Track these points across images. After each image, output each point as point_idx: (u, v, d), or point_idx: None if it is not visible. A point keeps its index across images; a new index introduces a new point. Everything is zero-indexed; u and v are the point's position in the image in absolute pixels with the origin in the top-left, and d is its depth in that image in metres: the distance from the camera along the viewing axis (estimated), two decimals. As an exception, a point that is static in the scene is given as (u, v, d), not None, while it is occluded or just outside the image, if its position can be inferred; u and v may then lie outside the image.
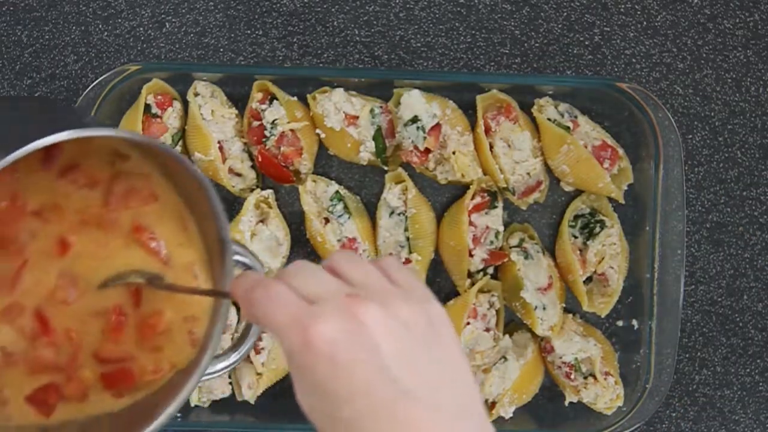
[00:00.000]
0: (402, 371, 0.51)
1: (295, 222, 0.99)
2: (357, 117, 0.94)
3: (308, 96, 0.95)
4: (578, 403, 0.97)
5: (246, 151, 0.98)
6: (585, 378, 0.95)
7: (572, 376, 0.95)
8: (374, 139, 0.94)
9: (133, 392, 0.67)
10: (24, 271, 0.65)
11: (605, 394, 0.94)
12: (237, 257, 0.70)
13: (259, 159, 0.95)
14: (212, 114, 0.95)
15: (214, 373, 0.70)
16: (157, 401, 0.65)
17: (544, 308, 0.95)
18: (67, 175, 0.66)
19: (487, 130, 0.96)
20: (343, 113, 0.94)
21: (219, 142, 0.95)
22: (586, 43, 1.01)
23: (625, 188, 0.97)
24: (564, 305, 0.97)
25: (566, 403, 0.97)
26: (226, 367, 0.71)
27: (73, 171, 0.66)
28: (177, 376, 0.67)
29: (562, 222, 0.98)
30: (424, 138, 0.93)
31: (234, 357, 0.71)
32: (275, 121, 0.94)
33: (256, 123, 0.95)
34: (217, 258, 0.66)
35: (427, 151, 0.94)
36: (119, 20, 1.00)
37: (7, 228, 0.64)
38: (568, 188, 0.99)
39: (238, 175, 0.98)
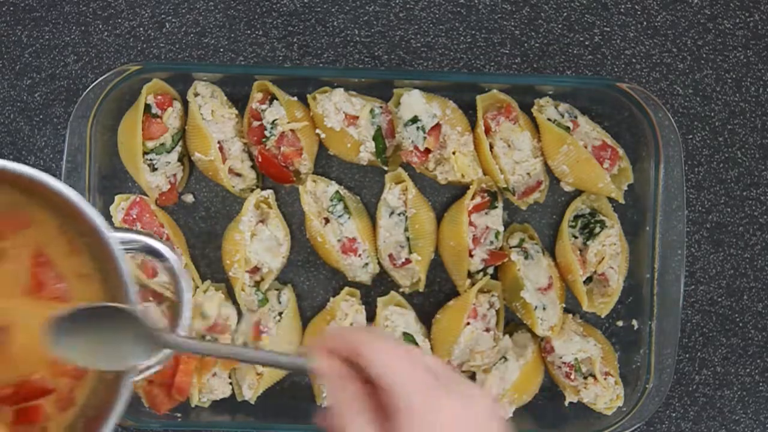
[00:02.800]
0: None
1: (295, 222, 0.99)
2: (357, 117, 0.94)
3: (308, 96, 0.95)
4: (578, 403, 0.97)
5: (246, 151, 0.98)
6: (585, 378, 0.95)
7: (572, 376, 0.95)
8: (374, 139, 0.94)
9: None
10: None
11: (605, 395, 0.94)
12: (129, 238, 0.68)
13: (259, 159, 0.95)
14: (212, 114, 0.95)
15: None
16: (97, 419, 0.65)
17: (544, 308, 0.95)
18: None
19: (487, 130, 0.96)
20: (343, 113, 0.94)
21: (219, 142, 0.95)
22: (586, 43, 1.01)
23: (625, 188, 0.97)
24: (564, 305, 0.97)
25: (566, 403, 0.97)
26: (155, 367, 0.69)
27: None
28: (110, 386, 0.66)
29: (562, 222, 0.98)
30: (424, 138, 0.93)
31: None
32: (275, 121, 0.94)
33: (256, 123, 0.95)
34: (110, 262, 0.65)
35: (427, 151, 0.94)
36: (119, 20, 1.00)
37: None
38: (568, 188, 0.99)
39: (238, 175, 0.98)
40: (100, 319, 0.65)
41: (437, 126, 0.93)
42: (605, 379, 0.95)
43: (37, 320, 0.66)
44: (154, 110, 0.94)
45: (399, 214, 0.95)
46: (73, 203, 0.65)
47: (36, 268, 0.69)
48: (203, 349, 0.66)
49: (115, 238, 0.65)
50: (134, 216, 0.94)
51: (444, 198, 0.99)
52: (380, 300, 0.96)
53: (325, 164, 0.99)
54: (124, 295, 0.66)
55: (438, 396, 0.55)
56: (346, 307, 0.95)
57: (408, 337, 0.94)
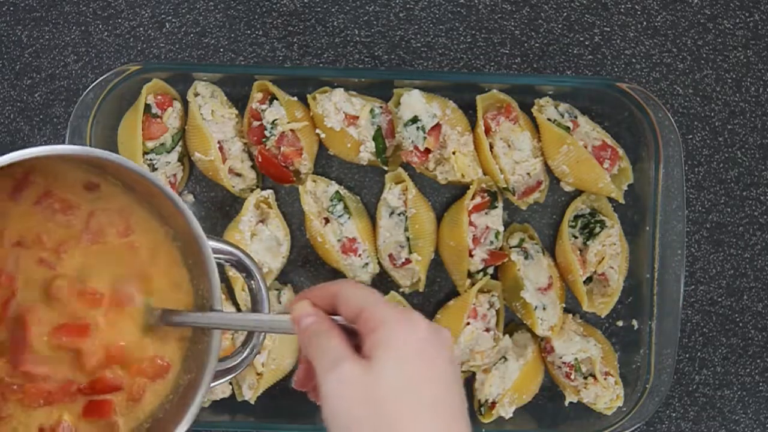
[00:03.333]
0: None
1: (295, 222, 0.99)
2: (357, 117, 0.94)
3: (308, 96, 0.95)
4: (578, 403, 0.97)
5: (246, 151, 0.98)
6: (585, 378, 0.95)
7: (572, 376, 0.95)
8: (374, 139, 0.94)
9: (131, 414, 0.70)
10: (12, 301, 0.67)
11: (605, 395, 0.94)
12: (222, 255, 0.72)
13: (259, 159, 0.95)
14: (212, 114, 0.95)
15: (218, 383, 0.72)
16: (166, 424, 0.68)
17: (544, 308, 0.95)
18: (41, 201, 0.68)
19: (487, 130, 0.96)
20: (343, 113, 0.94)
21: (219, 142, 0.95)
22: (586, 43, 1.01)
23: (625, 188, 0.97)
24: (564, 305, 0.97)
25: (566, 403, 0.97)
26: (230, 377, 0.74)
27: (47, 197, 0.68)
28: (182, 395, 0.70)
29: (562, 222, 0.97)
30: (424, 138, 0.93)
31: (238, 363, 0.74)
32: (275, 121, 0.94)
33: (256, 123, 0.95)
34: (200, 267, 0.68)
35: (427, 151, 0.94)
36: (119, 20, 1.00)
37: None
38: (568, 188, 0.99)
39: (238, 175, 0.98)
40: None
41: (437, 126, 0.93)
42: (605, 379, 0.95)
43: (123, 320, 0.69)
44: (154, 110, 0.94)
45: (399, 214, 0.95)
46: (178, 207, 0.67)
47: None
48: (190, 321, 0.69)
49: (210, 247, 0.68)
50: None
51: (444, 198, 0.99)
52: (380, 300, 0.96)
53: (325, 164, 0.99)
54: (210, 304, 0.69)
55: (412, 317, 0.60)
56: (346, 307, 0.95)
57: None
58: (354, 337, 0.61)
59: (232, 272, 0.95)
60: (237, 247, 0.74)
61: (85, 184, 0.70)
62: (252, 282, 0.74)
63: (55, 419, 0.69)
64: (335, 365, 0.58)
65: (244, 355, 0.74)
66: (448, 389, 0.59)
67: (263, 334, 0.74)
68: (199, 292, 0.71)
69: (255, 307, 0.74)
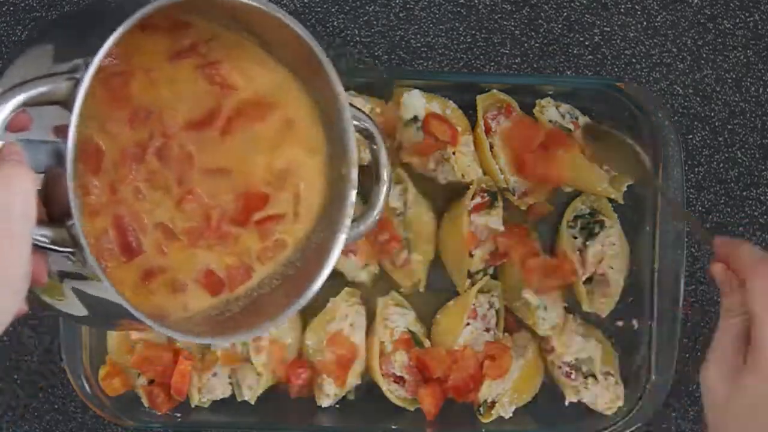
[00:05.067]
0: None
1: (295, 222, 0.99)
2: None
3: (308, 96, 0.95)
4: (578, 403, 0.96)
5: (246, 151, 0.98)
6: (585, 378, 0.95)
7: (572, 376, 0.95)
8: (374, 139, 0.94)
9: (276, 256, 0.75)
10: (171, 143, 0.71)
11: (605, 395, 0.94)
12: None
13: (259, 159, 0.95)
14: (212, 114, 0.95)
15: (357, 236, 0.78)
16: (310, 268, 0.73)
17: (545, 308, 0.95)
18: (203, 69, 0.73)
19: (487, 130, 0.96)
20: (343, 113, 0.94)
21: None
22: (586, 43, 1.01)
23: (625, 188, 0.97)
24: (564, 305, 0.97)
25: (566, 403, 0.97)
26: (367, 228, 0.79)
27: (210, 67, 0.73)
28: (319, 244, 0.75)
29: (562, 222, 0.97)
30: (424, 138, 0.93)
31: (369, 219, 0.79)
32: (275, 121, 0.94)
33: (256, 123, 0.95)
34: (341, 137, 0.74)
35: (427, 151, 0.94)
36: (119, 20, 1.00)
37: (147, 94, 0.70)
38: (567, 188, 0.99)
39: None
40: None
41: (436, 116, 0.93)
42: (605, 379, 0.95)
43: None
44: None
45: (399, 214, 0.95)
46: (324, 66, 0.72)
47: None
48: None
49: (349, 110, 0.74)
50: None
51: (444, 198, 0.99)
52: (380, 300, 0.96)
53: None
54: (346, 170, 0.75)
55: None
56: (346, 307, 0.95)
57: (414, 337, 0.95)
58: None
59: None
60: (362, 111, 0.78)
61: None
62: (374, 145, 0.79)
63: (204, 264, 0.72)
64: (707, 361, 0.63)
65: (373, 217, 0.79)
66: None
67: (384, 197, 0.79)
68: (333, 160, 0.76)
69: (376, 166, 0.79)
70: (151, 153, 0.70)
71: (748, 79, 1.01)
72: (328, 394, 0.94)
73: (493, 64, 1.01)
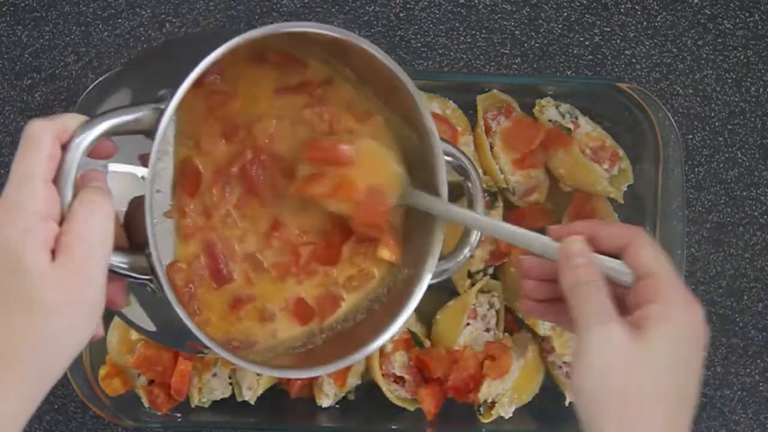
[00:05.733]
0: None
1: (295, 222, 0.99)
2: (357, 117, 0.94)
3: (308, 96, 0.95)
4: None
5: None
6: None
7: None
8: (374, 139, 0.94)
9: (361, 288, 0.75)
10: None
11: (605, 394, 0.94)
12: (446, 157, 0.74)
13: (259, 159, 0.95)
14: (212, 114, 0.95)
15: (443, 274, 0.76)
16: (394, 305, 0.72)
17: (544, 308, 0.95)
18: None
19: (487, 130, 0.96)
20: (344, 113, 0.94)
21: (219, 142, 0.95)
22: (586, 43, 1.01)
23: (625, 188, 0.97)
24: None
25: (567, 403, 0.97)
26: (445, 276, 0.77)
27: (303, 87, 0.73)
28: (405, 281, 0.74)
29: (562, 222, 0.97)
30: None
31: (459, 257, 0.77)
32: (275, 121, 0.94)
33: (256, 123, 0.95)
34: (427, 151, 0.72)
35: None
36: (119, 20, 1.00)
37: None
38: (567, 189, 0.99)
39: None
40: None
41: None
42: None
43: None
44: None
45: (399, 214, 0.95)
46: (417, 104, 0.71)
47: None
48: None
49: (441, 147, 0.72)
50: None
51: (444, 198, 0.99)
52: (380, 300, 0.96)
53: (325, 164, 0.99)
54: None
55: (693, 300, 0.61)
56: (346, 307, 0.95)
57: (414, 337, 0.95)
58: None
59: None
60: (459, 149, 0.77)
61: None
62: (469, 183, 0.78)
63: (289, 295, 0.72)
64: (602, 321, 0.59)
65: (463, 255, 0.77)
66: (697, 381, 0.60)
67: (478, 235, 0.77)
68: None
69: (472, 205, 0.78)
70: (241, 168, 0.70)
71: (748, 79, 1.01)
72: (328, 394, 0.94)
73: (493, 64, 1.01)
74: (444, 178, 0.72)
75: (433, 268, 0.73)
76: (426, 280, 0.73)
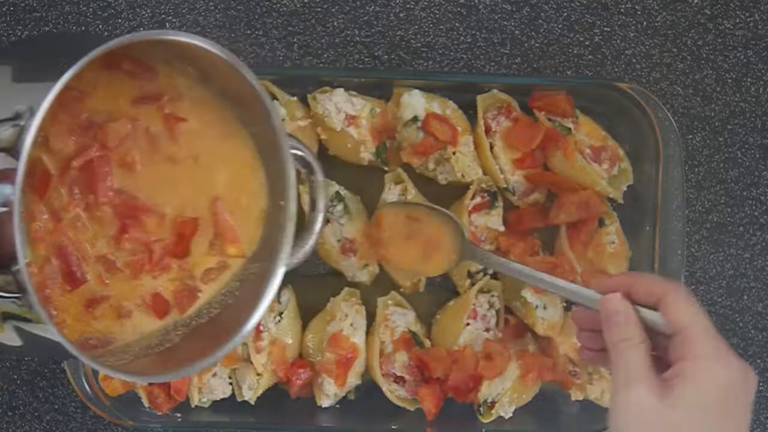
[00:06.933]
0: None
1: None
2: (357, 117, 0.94)
3: (309, 96, 0.95)
4: (578, 403, 0.96)
5: (246, 151, 0.98)
6: (590, 374, 0.95)
7: (577, 374, 0.95)
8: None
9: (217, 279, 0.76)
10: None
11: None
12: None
13: (259, 159, 0.95)
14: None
15: (291, 265, 0.77)
16: (248, 298, 0.73)
17: (544, 308, 0.95)
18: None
19: (487, 130, 0.96)
20: (344, 113, 0.94)
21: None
22: (586, 43, 1.01)
23: (625, 188, 0.97)
24: (564, 304, 0.97)
25: (572, 399, 0.96)
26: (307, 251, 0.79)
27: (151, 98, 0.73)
28: (258, 274, 0.75)
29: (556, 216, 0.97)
30: (425, 138, 0.93)
31: (306, 247, 0.79)
32: (275, 121, 0.94)
33: (256, 123, 0.95)
34: (272, 147, 0.73)
35: (427, 151, 0.94)
36: (119, 20, 1.00)
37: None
38: (568, 188, 0.99)
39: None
40: None
41: (437, 116, 0.93)
42: (610, 373, 0.94)
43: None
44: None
45: (399, 214, 0.95)
46: (263, 101, 0.71)
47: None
48: (495, 264, 0.82)
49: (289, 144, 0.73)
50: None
51: (444, 198, 0.99)
52: (380, 300, 0.96)
53: (326, 164, 0.99)
54: (285, 203, 0.74)
55: (728, 355, 0.60)
56: (346, 308, 0.95)
57: (415, 337, 0.95)
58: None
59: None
60: (302, 143, 0.78)
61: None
62: (313, 177, 0.80)
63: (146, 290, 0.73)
64: (629, 383, 0.60)
65: (309, 245, 0.79)
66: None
67: (321, 224, 0.80)
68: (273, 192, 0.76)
69: (313, 196, 0.80)
70: (85, 163, 0.69)
71: (748, 79, 1.01)
72: (328, 394, 0.94)
73: (493, 64, 1.01)
74: (292, 173, 0.74)
75: (284, 261, 0.74)
76: (280, 274, 0.74)
